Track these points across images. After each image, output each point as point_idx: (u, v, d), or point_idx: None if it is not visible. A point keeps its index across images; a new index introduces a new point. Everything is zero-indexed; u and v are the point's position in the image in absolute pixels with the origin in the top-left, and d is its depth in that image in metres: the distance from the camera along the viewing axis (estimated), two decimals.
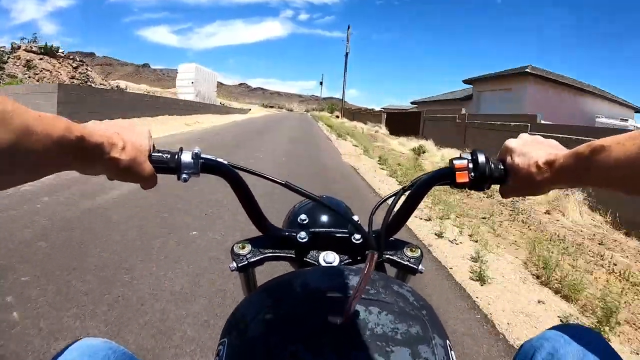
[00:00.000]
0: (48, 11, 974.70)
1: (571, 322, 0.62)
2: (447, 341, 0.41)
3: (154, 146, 0.53)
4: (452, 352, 0.41)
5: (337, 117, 44.20)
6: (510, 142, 0.54)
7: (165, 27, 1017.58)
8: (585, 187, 0.46)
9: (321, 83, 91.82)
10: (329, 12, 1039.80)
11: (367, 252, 0.54)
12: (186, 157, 0.53)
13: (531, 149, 0.51)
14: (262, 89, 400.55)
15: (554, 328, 0.54)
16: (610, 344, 0.50)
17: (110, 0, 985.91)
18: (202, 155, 0.54)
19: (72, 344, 0.47)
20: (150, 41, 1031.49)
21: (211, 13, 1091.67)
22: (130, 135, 0.48)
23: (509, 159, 0.53)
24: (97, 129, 0.43)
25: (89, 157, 0.41)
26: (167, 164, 0.52)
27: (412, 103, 28.01)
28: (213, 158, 0.56)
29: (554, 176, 0.47)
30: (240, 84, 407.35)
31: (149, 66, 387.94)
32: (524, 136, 0.55)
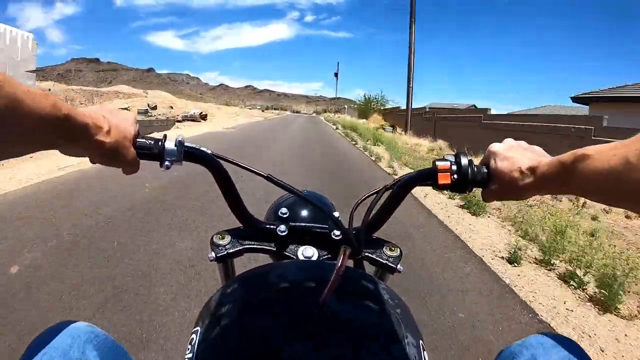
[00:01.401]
0: (54, 19, 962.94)
1: (551, 332, 0.58)
2: (420, 341, 0.42)
3: (138, 132, 0.53)
4: (425, 353, 0.41)
5: (394, 129, 20.46)
6: (494, 146, 0.54)
7: (172, 32, 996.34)
8: (568, 194, 0.48)
9: (336, 74, 69.30)
10: (334, 13, 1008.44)
11: (342, 247, 0.53)
12: (169, 145, 0.53)
13: (515, 154, 0.51)
14: (268, 90, 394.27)
15: (534, 336, 0.55)
16: (588, 354, 0.52)
17: (117, 6, 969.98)
18: (186, 144, 0.54)
19: (55, 326, 0.49)
20: (156, 46, 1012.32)
21: (217, 16, 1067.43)
22: (115, 120, 0.48)
23: (492, 162, 0.53)
24: (84, 111, 0.43)
25: (74, 137, 0.41)
26: (150, 150, 0.52)
27: (575, 100, 13.01)
28: (196, 147, 0.56)
29: (537, 182, 0.47)
30: (246, 86, 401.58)
31: (154, 70, 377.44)
32: (508, 141, 0.55)
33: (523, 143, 0.54)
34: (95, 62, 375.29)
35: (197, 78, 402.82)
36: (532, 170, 0.47)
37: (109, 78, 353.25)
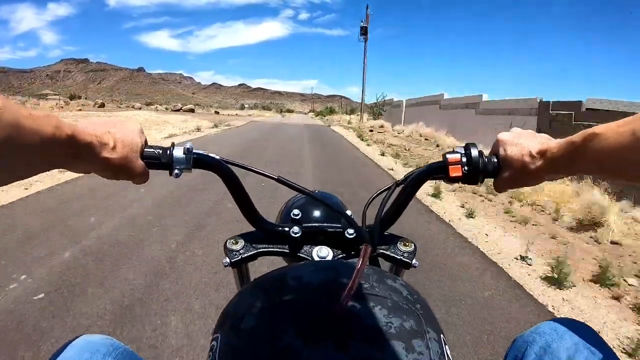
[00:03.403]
0: (48, 20, 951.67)
1: (564, 317, 0.63)
2: (442, 335, 0.41)
3: (146, 141, 0.53)
4: (446, 347, 0.41)
5: None
6: (503, 135, 0.54)
7: (165, 32, 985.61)
8: (580, 175, 0.47)
9: (364, 30, 30.75)
10: (328, 10, 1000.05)
11: (361, 245, 0.55)
12: (178, 153, 0.53)
13: (524, 140, 0.51)
14: (262, 89, 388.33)
15: (547, 322, 0.54)
16: (602, 337, 0.51)
17: (110, 7, 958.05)
18: (194, 151, 0.54)
19: (72, 341, 0.48)
20: (150, 46, 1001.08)
21: (211, 16, 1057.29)
22: (121, 134, 0.47)
23: (501, 150, 0.53)
24: (88, 128, 0.43)
25: (79, 156, 0.41)
26: (159, 159, 0.52)
27: None
28: (205, 153, 0.56)
29: (548, 165, 0.47)
30: (240, 85, 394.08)
31: (144, 70, 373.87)
32: (516, 129, 0.55)
33: (531, 130, 0.54)
34: (84, 63, 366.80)
35: (190, 77, 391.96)
36: (542, 153, 0.47)
37: (98, 78, 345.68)
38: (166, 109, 44.27)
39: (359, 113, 31.45)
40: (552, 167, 0.47)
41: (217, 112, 43.61)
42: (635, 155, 0.36)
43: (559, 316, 0.63)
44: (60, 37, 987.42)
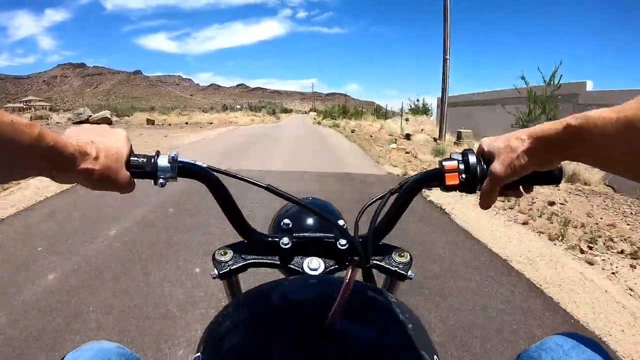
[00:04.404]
0: (45, 26, 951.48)
1: (570, 332, 0.53)
2: (435, 356, 0.40)
3: (131, 150, 0.51)
4: None
5: None
6: (484, 139, 0.52)
7: (163, 34, 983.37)
8: (568, 160, 0.42)
9: None
10: (326, 9, 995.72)
11: (355, 257, 0.55)
12: (162, 161, 0.51)
13: (506, 134, 0.49)
14: (261, 88, 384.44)
15: (553, 337, 0.52)
16: (609, 354, 0.49)
17: (108, 11, 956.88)
18: (179, 159, 0.52)
19: (85, 346, 0.49)
20: (148, 49, 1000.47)
21: (208, 17, 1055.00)
22: (105, 143, 0.46)
23: (486, 146, 0.51)
24: (71, 138, 0.42)
25: (61, 166, 0.40)
26: (143, 168, 0.51)
27: None
28: (191, 161, 0.54)
29: (537, 144, 0.43)
30: (238, 85, 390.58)
31: (141, 73, 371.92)
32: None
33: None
34: (81, 67, 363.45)
35: (189, 79, 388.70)
36: (530, 134, 0.44)
37: (95, 82, 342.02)
38: (69, 119, 24.36)
39: (401, 116, 18.33)
40: (540, 146, 0.42)
41: (150, 122, 23.20)
42: (623, 147, 0.33)
43: (565, 331, 0.53)
44: (57, 43, 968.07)
